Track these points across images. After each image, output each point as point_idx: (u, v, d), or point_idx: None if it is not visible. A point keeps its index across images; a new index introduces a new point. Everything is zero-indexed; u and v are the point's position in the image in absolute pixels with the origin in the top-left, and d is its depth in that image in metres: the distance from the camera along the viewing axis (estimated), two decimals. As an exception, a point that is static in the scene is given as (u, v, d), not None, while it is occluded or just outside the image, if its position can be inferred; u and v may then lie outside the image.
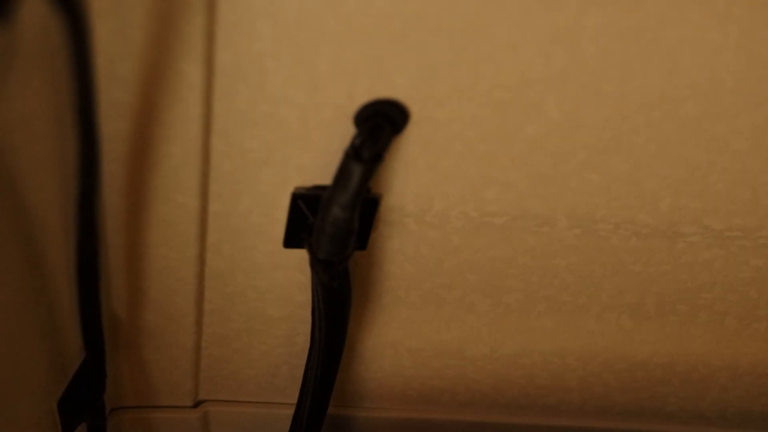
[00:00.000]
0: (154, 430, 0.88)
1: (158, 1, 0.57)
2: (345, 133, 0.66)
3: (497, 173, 0.69)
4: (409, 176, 0.69)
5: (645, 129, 0.66)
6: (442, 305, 0.82)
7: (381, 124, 0.64)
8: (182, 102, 0.63)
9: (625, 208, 0.72)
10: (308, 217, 0.70)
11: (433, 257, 0.77)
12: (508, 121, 0.65)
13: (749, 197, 0.72)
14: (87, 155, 0.54)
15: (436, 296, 0.80)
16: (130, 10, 0.57)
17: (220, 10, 0.58)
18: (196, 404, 0.88)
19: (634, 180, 0.70)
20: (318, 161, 0.67)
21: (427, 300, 0.81)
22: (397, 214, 0.72)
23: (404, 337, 0.84)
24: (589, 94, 0.64)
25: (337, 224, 0.67)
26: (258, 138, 0.66)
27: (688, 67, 0.62)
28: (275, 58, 0.61)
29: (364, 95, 0.63)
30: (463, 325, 0.83)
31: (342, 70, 0.61)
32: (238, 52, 0.60)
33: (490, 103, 0.64)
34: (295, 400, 0.83)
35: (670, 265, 0.78)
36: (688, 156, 0.68)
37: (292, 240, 0.73)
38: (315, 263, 0.70)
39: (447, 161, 0.68)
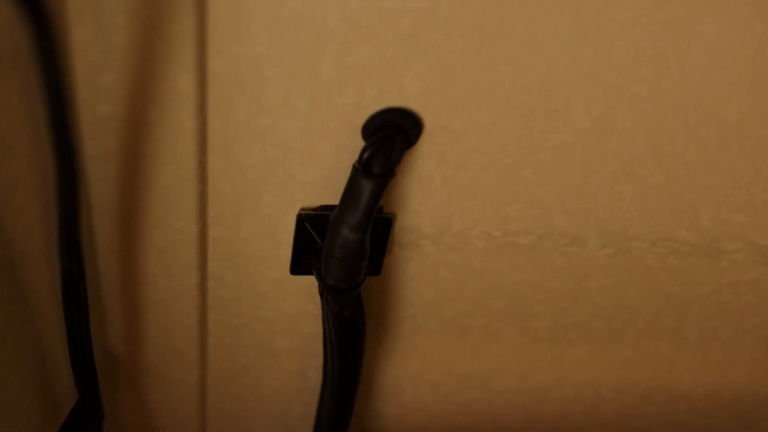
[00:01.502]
0: (159, 475, 0.82)
1: (144, 3, 0.52)
2: (353, 146, 0.60)
3: (521, 187, 0.63)
4: (425, 193, 0.64)
5: (682, 134, 0.60)
6: (465, 334, 0.76)
7: (392, 135, 0.58)
8: (174, 115, 0.57)
9: (662, 223, 0.66)
10: (316, 240, 0.65)
11: (453, 282, 0.71)
12: (531, 128, 0.60)
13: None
14: (65, 175, 0.49)
15: (458, 324, 0.75)
16: (111, 12, 0.52)
17: (212, 12, 0.53)
18: (204, 445, 0.82)
19: (671, 192, 0.64)
20: (325, 178, 0.62)
21: (448, 328, 0.75)
22: (412, 235, 0.67)
23: (425, 369, 0.78)
24: (618, 96, 0.58)
25: (346, 247, 0.61)
26: (258, 154, 0.60)
27: (729, 64, 0.56)
28: (274, 63, 0.55)
29: (372, 104, 0.58)
30: (488, 356, 0.77)
31: (348, 75, 0.56)
32: (233, 58, 0.55)
33: (511, 109, 0.58)
34: (309, 440, 0.77)
35: (713, 286, 0.72)
36: (731, 163, 0.62)
37: (299, 265, 0.67)
38: (324, 290, 0.65)
39: (465, 175, 0.63)
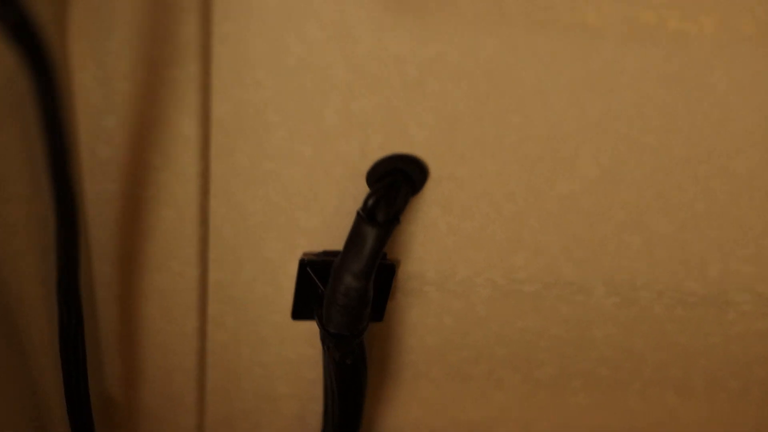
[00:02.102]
0: None
1: (147, 48, 0.51)
2: (357, 192, 0.59)
3: (527, 236, 0.63)
4: (429, 240, 0.63)
5: (691, 185, 0.60)
6: (468, 381, 0.74)
7: (397, 182, 0.58)
8: (176, 159, 0.57)
9: (670, 274, 0.65)
10: (318, 286, 0.64)
11: (457, 329, 0.70)
12: (539, 177, 0.59)
13: (808, 261, 0.64)
14: (64, 221, 0.48)
15: (461, 371, 0.73)
16: (114, 56, 0.51)
17: (216, 57, 0.52)
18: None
19: (679, 243, 0.63)
20: (328, 224, 0.61)
21: (450, 375, 0.74)
22: (416, 281, 0.66)
23: (427, 416, 0.77)
24: (627, 146, 0.57)
25: (349, 294, 0.60)
26: (261, 199, 0.59)
27: (740, 116, 0.56)
28: (279, 109, 0.55)
29: (377, 150, 0.57)
30: (491, 403, 0.76)
31: (353, 122, 0.55)
32: (238, 104, 0.54)
33: (518, 158, 0.58)
34: (308, 487, 0.76)
35: (720, 337, 0.71)
36: (741, 215, 0.61)
37: (300, 311, 0.66)
38: (326, 337, 0.64)
39: (471, 223, 0.62)
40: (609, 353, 0.72)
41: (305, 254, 0.63)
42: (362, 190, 0.59)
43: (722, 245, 0.64)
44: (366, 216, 0.57)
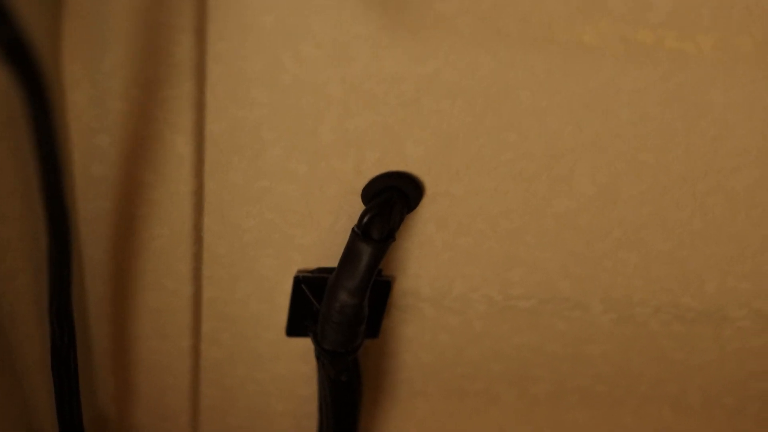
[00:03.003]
0: None
1: (141, 67, 0.50)
2: (352, 210, 0.59)
3: (523, 253, 0.62)
4: (425, 257, 0.62)
5: (689, 203, 0.59)
6: (464, 397, 0.74)
7: (392, 200, 0.57)
8: (170, 177, 0.56)
9: (666, 291, 0.65)
10: (313, 303, 0.63)
11: (452, 345, 0.69)
12: (535, 195, 0.59)
13: (805, 277, 0.64)
14: (57, 240, 0.47)
15: (457, 388, 0.73)
16: (108, 76, 0.51)
17: (211, 75, 0.52)
18: None
19: (676, 260, 0.63)
20: (323, 241, 0.61)
21: (446, 392, 0.73)
22: (411, 298, 0.65)
23: (422, 433, 0.77)
24: (625, 164, 0.57)
25: (344, 311, 0.60)
26: (256, 217, 0.59)
27: (738, 134, 0.56)
28: (273, 127, 0.54)
29: (373, 168, 0.57)
30: (487, 420, 0.76)
31: (348, 140, 0.55)
32: (232, 122, 0.54)
33: (514, 175, 0.57)
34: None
35: (717, 353, 0.70)
36: (738, 232, 0.61)
37: (295, 328, 0.66)
38: (321, 354, 0.63)
39: (467, 240, 0.61)
40: (605, 369, 0.72)
41: (300, 271, 0.63)
42: (358, 207, 0.59)
43: (719, 262, 0.63)
44: (361, 233, 0.57)
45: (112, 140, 0.54)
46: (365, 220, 0.57)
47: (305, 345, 0.68)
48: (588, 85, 0.53)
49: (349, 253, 0.58)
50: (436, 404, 0.74)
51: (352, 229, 0.57)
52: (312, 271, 0.63)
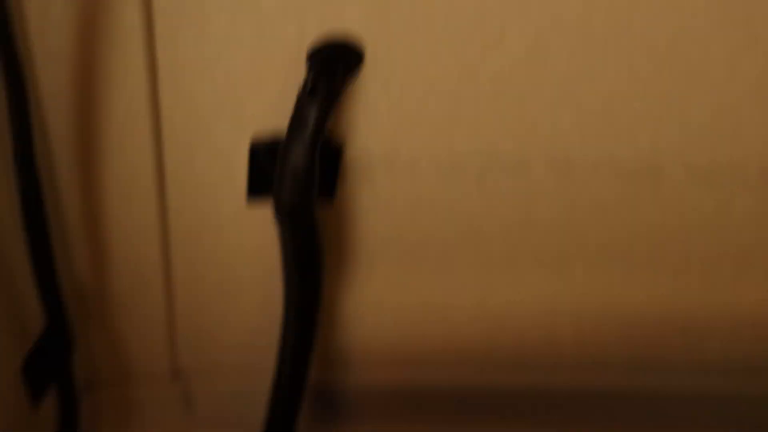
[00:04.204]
0: (133, 406, 0.85)
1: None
2: (301, 77, 0.63)
3: (463, 114, 0.66)
4: (372, 121, 0.66)
5: (613, 59, 0.63)
6: (423, 261, 0.78)
7: (333, 58, 0.61)
8: (123, 49, 0.60)
9: (602, 147, 0.69)
10: (269, 168, 0.67)
11: (407, 211, 0.73)
12: (469, 55, 0.62)
13: (732, 131, 0.68)
14: (12, 85, 0.52)
15: (415, 252, 0.77)
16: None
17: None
18: (176, 375, 0.85)
19: (608, 116, 0.66)
20: (274, 107, 0.64)
21: (405, 256, 0.77)
22: (364, 162, 0.69)
23: (385, 297, 0.81)
24: (550, 21, 0.60)
25: (296, 171, 0.64)
26: (208, 83, 0.63)
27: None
28: (216, -5, 0.58)
29: (314, 32, 0.60)
30: (446, 281, 0.80)
31: (287, 5, 0.58)
32: (177, -9, 0.57)
33: (448, 36, 0.61)
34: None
35: (657, 208, 0.74)
36: (663, 87, 0.65)
37: (255, 192, 0.70)
38: (279, 215, 0.67)
39: (409, 104, 0.65)
40: (554, 230, 0.76)
41: (254, 138, 0.66)
42: (304, 73, 0.62)
43: (649, 116, 0.67)
44: (306, 92, 0.60)
45: (65, 14, 0.57)
46: (309, 78, 0.60)
47: (268, 215, 0.72)
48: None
49: (297, 114, 0.62)
50: (396, 268, 0.78)
51: (298, 90, 0.61)
52: (267, 138, 0.66)
